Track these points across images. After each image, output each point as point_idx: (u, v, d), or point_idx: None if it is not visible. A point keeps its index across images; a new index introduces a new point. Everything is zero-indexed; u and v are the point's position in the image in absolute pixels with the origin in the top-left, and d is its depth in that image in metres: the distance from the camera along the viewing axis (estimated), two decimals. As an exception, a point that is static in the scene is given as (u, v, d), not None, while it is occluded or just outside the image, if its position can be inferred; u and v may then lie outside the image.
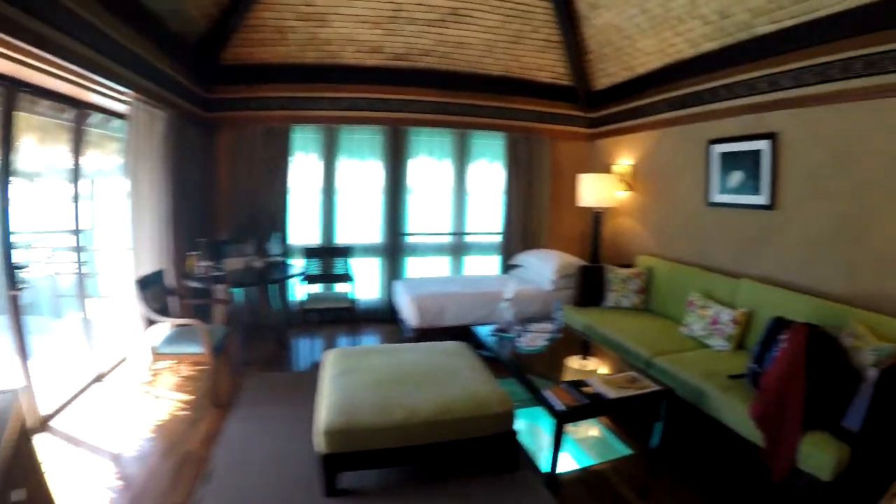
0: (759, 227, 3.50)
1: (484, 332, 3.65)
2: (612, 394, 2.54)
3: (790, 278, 3.23)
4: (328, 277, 4.90)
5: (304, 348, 4.50)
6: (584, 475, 2.62)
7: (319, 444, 2.27)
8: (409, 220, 5.31)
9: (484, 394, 2.54)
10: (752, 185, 3.51)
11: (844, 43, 2.79)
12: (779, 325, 2.58)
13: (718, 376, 2.78)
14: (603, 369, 3.00)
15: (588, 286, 4.42)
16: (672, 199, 4.46)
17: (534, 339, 3.40)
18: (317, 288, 4.95)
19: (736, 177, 3.67)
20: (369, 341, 4.69)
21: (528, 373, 2.91)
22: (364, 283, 5.14)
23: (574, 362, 3.04)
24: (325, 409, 2.33)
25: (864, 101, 2.76)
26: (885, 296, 2.67)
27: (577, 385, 2.64)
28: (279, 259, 4.42)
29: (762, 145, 3.40)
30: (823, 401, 2.20)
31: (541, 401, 2.59)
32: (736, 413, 2.52)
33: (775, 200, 3.36)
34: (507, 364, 3.14)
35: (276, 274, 4.18)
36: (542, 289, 4.80)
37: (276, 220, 4.85)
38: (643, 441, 2.84)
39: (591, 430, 3.07)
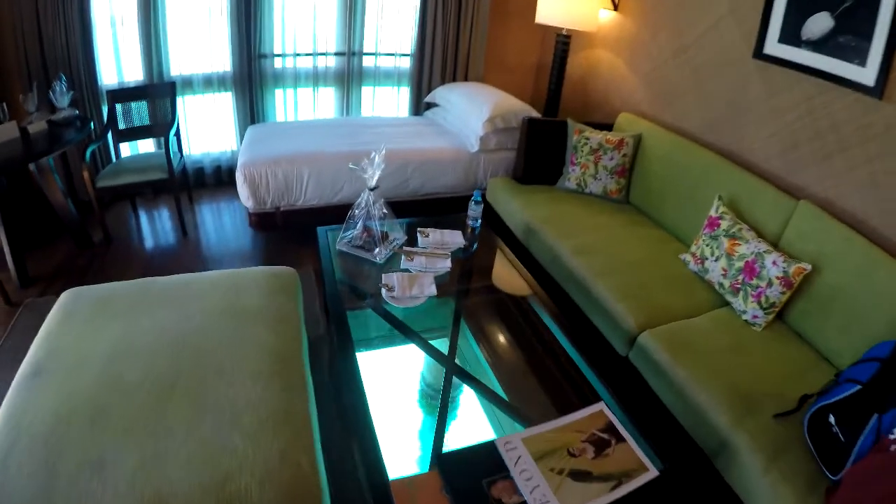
0: (847, 120, 1.79)
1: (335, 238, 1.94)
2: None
3: (885, 223, 1.67)
4: (141, 131, 2.98)
5: (123, 240, 2.84)
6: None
7: None
8: (274, 36, 3.28)
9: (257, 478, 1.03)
10: (849, 45, 1.73)
11: None
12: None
13: (757, 409, 1.36)
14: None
15: (537, 151, 2.68)
16: (688, 34, 2.53)
17: (417, 279, 1.64)
18: (145, 147, 3.23)
19: (821, 21, 1.82)
20: (209, 220, 3.14)
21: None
22: (209, 132, 3.45)
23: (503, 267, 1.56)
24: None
25: None
26: None
27: (489, 481, 1.05)
28: (72, 114, 2.59)
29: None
30: None
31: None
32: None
33: (889, 83, 1.63)
34: (345, 361, 1.38)
35: (70, 136, 2.42)
36: (463, 148, 2.98)
37: (74, 54, 2.79)
38: None
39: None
